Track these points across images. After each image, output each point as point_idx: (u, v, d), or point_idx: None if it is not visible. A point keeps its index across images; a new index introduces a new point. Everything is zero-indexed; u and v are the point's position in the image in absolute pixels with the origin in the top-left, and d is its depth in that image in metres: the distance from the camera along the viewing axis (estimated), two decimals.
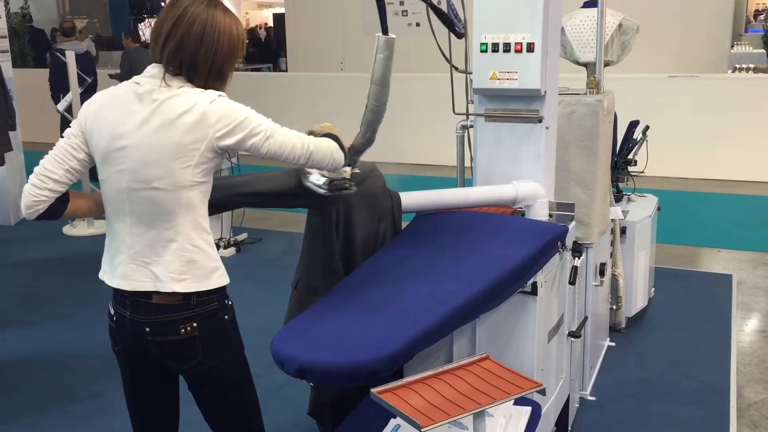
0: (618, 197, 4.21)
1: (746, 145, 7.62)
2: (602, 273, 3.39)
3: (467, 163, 3.08)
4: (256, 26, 22.60)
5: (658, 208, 4.40)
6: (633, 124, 4.33)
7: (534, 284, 2.41)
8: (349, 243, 2.47)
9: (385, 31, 2.15)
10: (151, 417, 2.10)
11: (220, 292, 1.92)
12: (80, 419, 3.36)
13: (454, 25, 2.61)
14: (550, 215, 2.78)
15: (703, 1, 9.44)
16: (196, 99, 1.80)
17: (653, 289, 4.54)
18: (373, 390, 1.89)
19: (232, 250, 5.71)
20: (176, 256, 1.84)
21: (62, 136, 1.91)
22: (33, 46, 13.42)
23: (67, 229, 6.41)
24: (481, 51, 2.72)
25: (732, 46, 10.30)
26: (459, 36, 2.68)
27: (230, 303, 1.97)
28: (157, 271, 1.85)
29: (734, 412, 3.27)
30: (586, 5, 3.71)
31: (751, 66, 9.08)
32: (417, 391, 1.91)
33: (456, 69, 2.83)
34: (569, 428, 3.06)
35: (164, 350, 1.90)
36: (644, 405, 3.35)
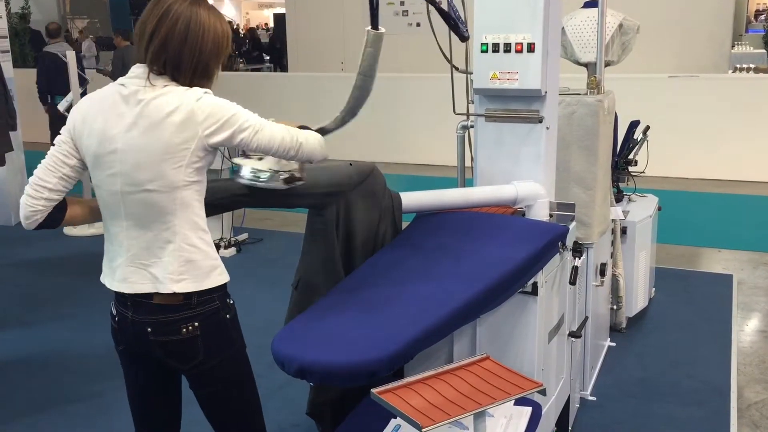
0: (618, 197, 4.21)
1: (747, 145, 7.62)
2: (603, 273, 3.39)
3: (468, 163, 3.08)
4: (257, 26, 22.59)
5: (659, 208, 4.40)
6: (633, 124, 4.33)
7: (534, 284, 2.41)
8: (349, 243, 2.47)
9: (375, 26, 2.15)
10: (154, 417, 2.10)
11: (221, 291, 1.92)
12: (80, 419, 3.36)
13: (459, 28, 2.61)
14: (551, 215, 2.78)
15: (704, 2, 9.44)
16: (182, 98, 1.78)
17: (654, 289, 4.54)
18: (374, 390, 1.89)
19: (232, 250, 5.71)
20: (174, 257, 1.83)
21: (53, 144, 1.90)
22: (33, 46, 13.45)
23: (68, 229, 6.41)
24: (482, 51, 2.71)
25: (732, 46, 10.31)
26: (463, 39, 2.68)
27: (232, 302, 1.97)
28: (155, 273, 1.85)
29: (734, 413, 3.27)
30: (586, 5, 3.71)
31: (752, 66, 9.07)
32: (417, 391, 1.91)
33: (456, 69, 2.83)
34: (570, 428, 3.06)
35: (166, 350, 1.90)
36: (645, 405, 3.35)
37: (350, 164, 2.46)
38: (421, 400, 1.87)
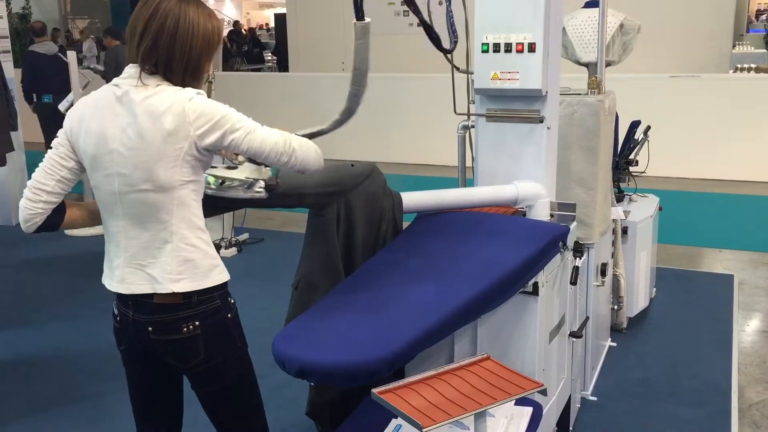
0: (619, 197, 4.21)
1: (748, 145, 7.62)
2: (603, 273, 3.39)
3: (468, 164, 3.07)
4: (257, 26, 22.61)
5: (660, 208, 4.40)
6: (634, 124, 4.33)
7: (535, 284, 2.41)
8: (349, 243, 2.47)
9: (360, 18, 2.15)
10: (156, 416, 2.10)
11: (222, 290, 1.92)
12: (82, 419, 3.36)
13: (440, 41, 2.59)
14: (552, 215, 2.78)
15: (705, 2, 9.44)
16: (173, 98, 1.78)
17: (654, 289, 4.54)
18: (374, 390, 1.89)
19: (233, 250, 5.71)
20: (172, 257, 1.83)
21: (49, 147, 1.90)
22: None
23: (68, 230, 6.42)
24: (483, 51, 2.72)
25: (733, 46, 10.32)
26: (446, 52, 2.65)
27: (233, 301, 1.97)
28: (153, 273, 1.85)
29: (735, 413, 3.26)
30: (587, 5, 3.71)
31: (753, 66, 9.08)
32: (418, 391, 1.91)
33: (457, 69, 2.83)
34: (570, 428, 3.06)
35: (167, 349, 1.90)
36: (645, 405, 3.35)
37: (352, 165, 2.46)
38: (422, 400, 1.87)
